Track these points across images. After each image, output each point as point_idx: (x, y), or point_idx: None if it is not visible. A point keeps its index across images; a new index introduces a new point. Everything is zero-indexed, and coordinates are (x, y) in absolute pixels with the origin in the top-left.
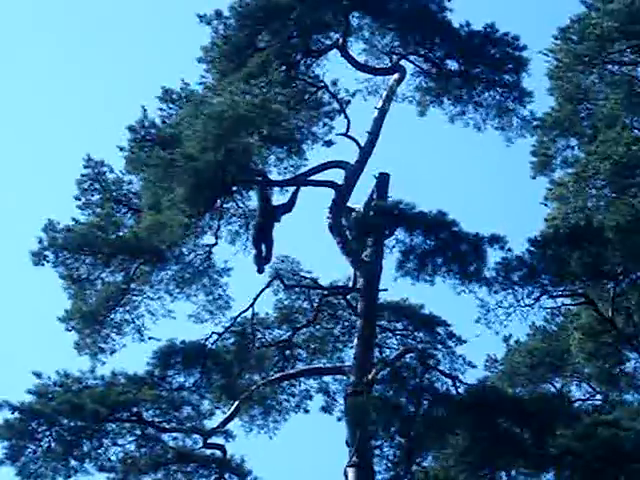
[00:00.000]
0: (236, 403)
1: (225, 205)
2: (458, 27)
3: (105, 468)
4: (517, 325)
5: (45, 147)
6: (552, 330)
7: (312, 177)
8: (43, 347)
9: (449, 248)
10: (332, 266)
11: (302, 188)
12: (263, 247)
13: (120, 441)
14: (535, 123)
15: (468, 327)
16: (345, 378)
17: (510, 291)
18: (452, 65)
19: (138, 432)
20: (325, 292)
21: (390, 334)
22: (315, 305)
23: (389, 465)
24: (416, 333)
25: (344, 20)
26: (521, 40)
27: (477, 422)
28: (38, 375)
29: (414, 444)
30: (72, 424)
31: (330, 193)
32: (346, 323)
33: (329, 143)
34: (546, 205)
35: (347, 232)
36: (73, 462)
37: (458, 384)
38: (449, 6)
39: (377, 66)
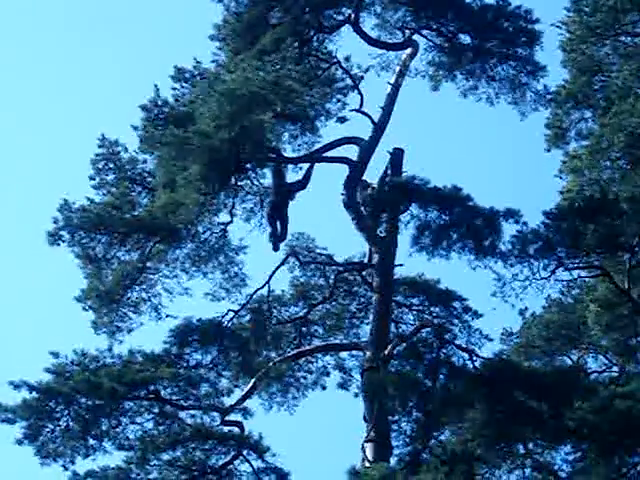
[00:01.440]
0: (253, 380)
1: (240, 183)
2: (470, 1)
3: (123, 446)
4: (533, 298)
5: (59, 127)
6: (568, 302)
7: (326, 154)
8: (60, 327)
9: (464, 223)
10: (347, 242)
11: (316, 165)
12: (278, 224)
13: (138, 419)
14: (549, 96)
15: (484, 301)
16: (362, 354)
17: (526, 264)
18: (465, 39)
19: (156, 410)
20: (340, 268)
21: (406, 309)
22: (331, 282)
23: (407, 440)
24: (432, 308)
25: None
26: (534, 13)
27: (494, 396)
28: (55, 354)
29: (431, 419)
30: (90, 403)
31: (344, 169)
32: (362, 299)
33: (343, 119)
34: (561, 178)
35: (362, 208)
36: (91, 441)
37: (475, 358)
38: None
39: (390, 41)
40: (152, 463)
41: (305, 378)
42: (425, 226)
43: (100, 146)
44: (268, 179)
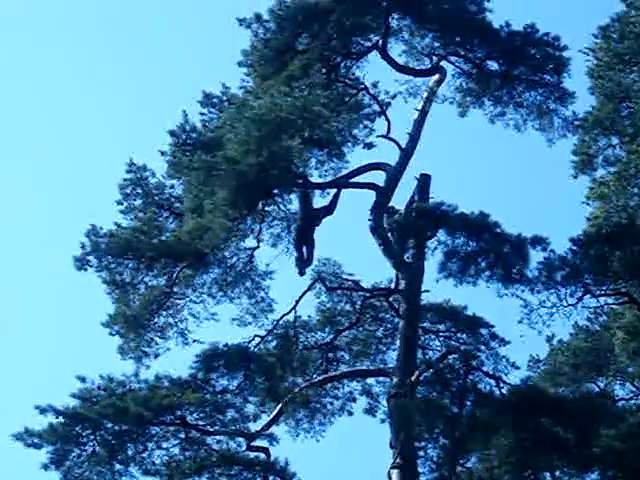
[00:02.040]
0: (279, 406)
1: (267, 208)
2: (498, 28)
3: (150, 472)
4: (560, 325)
5: (88, 152)
6: (595, 329)
7: (353, 179)
8: (87, 351)
9: (491, 250)
10: (374, 268)
11: (343, 190)
12: (304, 250)
13: (164, 444)
14: (576, 122)
15: (511, 328)
16: (388, 380)
17: (553, 291)
18: (492, 66)
19: (182, 435)
20: (367, 294)
21: (433, 336)
22: (357, 307)
23: (433, 466)
24: (459, 334)
25: (383, 22)
26: (561, 40)
27: (520, 422)
28: (82, 379)
29: (458, 445)
30: (116, 428)
31: (371, 195)
32: (389, 325)
33: (370, 145)
34: (588, 204)
35: (389, 234)
36: (118, 466)
37: (501, 385)
38: (488, 7)
39: (417, 67)
40: None
41: (332, 404)
42: (452, 252)
43: (128, 171)
44: (295, 205)
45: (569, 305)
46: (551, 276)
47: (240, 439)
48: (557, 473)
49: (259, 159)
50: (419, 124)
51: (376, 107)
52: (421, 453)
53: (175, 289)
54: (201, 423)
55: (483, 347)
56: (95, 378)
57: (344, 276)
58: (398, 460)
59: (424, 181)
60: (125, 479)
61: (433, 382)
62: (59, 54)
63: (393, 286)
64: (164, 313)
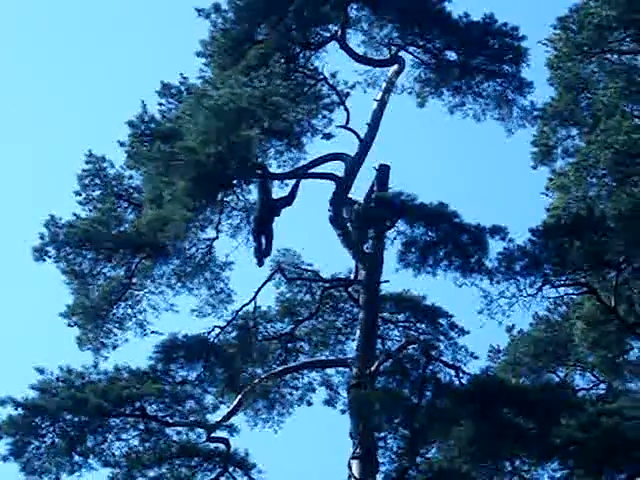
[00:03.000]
0: (239, 397)
1: (226, 199)
2: (457, 18)
3: (109, 463)
4: (520, 315)
5: (46, 143)
6: (555, 320)
7: (312, 170)
8: (45, 343)
9: (450, 240)
10: (333, 258)
11: (302, 181)
12: (263, 240)
13: (124, 436)
14: (535, 113)
15: (471, 318)
16: (348, 370)
17: (512, 281)
18: (451, 56)
19: (142, 426)
20: (327, 284)
21: (392, 326)
22: (317, 298)
23: (393, 457)
24: (418, 324)
25: (342, 12)
26: (520, 30)
27: (480, 413)
28: (41, 371)
29: (418, 435)
30: (75, 419)
31: (331, 185)
32: (348, 315)
33: (329, 136)
34: (547, 195)
35: (348, 224)
36: (77, 457)
37: (461, 375)
38: None
39: (376, 58)
40: None
41: (291, 394)
42: (411, 242)
43: (87, 162)
44: (254, 195)
45: (529, 295)
46: (510, 266)
47: (200, 430)
48: (517, 463)
49: (218, 149)
50: (378, 114)
51: (335, 97)
52: (381, 443)
53: (134, 280)
54: (160, 414)
55: (442, 337)
56: (54, 369)
57: (303, 266)
58: (358, 450)
59: (383, 171)
60: (84, 470)
61: (393, 372)
62: (19, 43)
63: (352, 276)
64: (123, 304)
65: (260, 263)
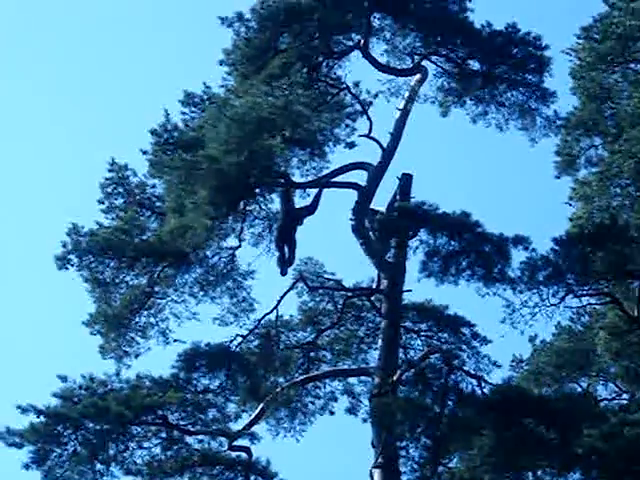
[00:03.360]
0: (261, 405)
1: (248, 207)
2: (480, 27)
3: (131, 471)
4: (542, 325)
5: (70, 151)
6: (578, 330)
7: (335, 179)
8: (68, 351)
9: (473, 249)
10: (356, 268)
11: (325, 190)
12: (286, 249)
13: (146, 444)
14: (559, 123)
15: (493, 327)
16: (370, 379)
17: (535, 291)
18: (474, 65)
19: (164, 435)
20: (349, 294)
21: (414, 335)
22: (339, 307)
23: (415, 466)
24: (440, 334)
25: (365, 21)
26: (543, 40)
27: (503, 422)
28: (63, 379)
29: (440, 445)
30: (98, 427)
31: (353, 195)
32: (370, 324)
33: (351, 145)
34: (570, 205)
35: (370, 233)
36: (99, 466)
37: (483, 384)
38: (470, 6)
39: (399, 67)
40: None
41: (313, 403)
42: (434, 252)
43: (110, 170)
44: (276, 204)
45: (551, 305)
46: (533, 276)
47: (222, 439)
48: (539, 473)
49: (240, 158)
50: (401, 123)
51: (358, 106)
52: (403, 453)
53: (156, 288)
54: (182, 423)
55: (465, 346)
56: (76, 377)
57: (326, 275)
58: (380, 460)
59: (406, 181)
60: (106, 479)
61: (415, 382)
62: (42, 53)
63: (375, 285)
64: (145, 312)
65: (283, 272)
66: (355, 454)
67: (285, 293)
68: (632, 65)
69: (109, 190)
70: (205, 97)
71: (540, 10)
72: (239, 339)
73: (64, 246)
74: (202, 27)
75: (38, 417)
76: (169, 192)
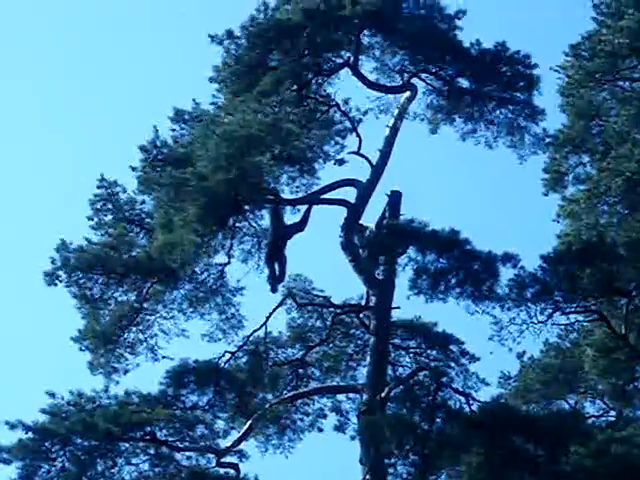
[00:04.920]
0: (249, 422)
1: (237, 224)
2: (469, 45)
3: None
4: (530, 342)
5: (58, 168)
6: (565, 347)
7: (324, 195)
8: (56, 367)
9: (462, 267)
10: (345, 285)
11: (314, 207)
12: (276, 266)
13: (134, 460)
14: (547, 140)
15: (481, 344)
16: (358, 396)
17: (523, 308)
18: (463, 83)
19: (152, 451)
20: (338, 310)
21: (403, 352)
22: (328, 324)
23: None
24: (429, 351)
25: (355, 39)
26: (532, 58)
27: (490, 440)
28: (52, 395)
29: (428, 462)
30: (86, 443)
31: (342, 211)
32: (359, 341)
33: (341, 162)
34: (558, 222)
35: (360, 250)
36: None
37: (471, 402)
38: (459, 25)
39: (388, 84)
40: None
41: (301, 420)
42: (423, 269)
43: (99, 187)
44: (266, 221)
45: (539, 322)
46: (521, 293)
47: (210, 455)
48: None
49: (229, 175)
50: (390, 141)
51: (347, 124)
52: (391, 470)
53: (145, 305)
54: (171, 439)
55: (453, 364)
56: (65, 394)
57: (315, 292)
58: (368, 477)
59: (395, 198)
60: None
61: (403, 399)
62: (29, 66)
63: (364, 302)
64: (134, 329)
65: (273, 289)
66: (343, 471)
67: (274, 310)
68: (620, 83)
69: (98, 206)
70: (195, 114)
71: (529, 28)
72: (228, 355)
73: (53, 262)
74: (192, 44)
75: (26, 433)
76: (158, 208)
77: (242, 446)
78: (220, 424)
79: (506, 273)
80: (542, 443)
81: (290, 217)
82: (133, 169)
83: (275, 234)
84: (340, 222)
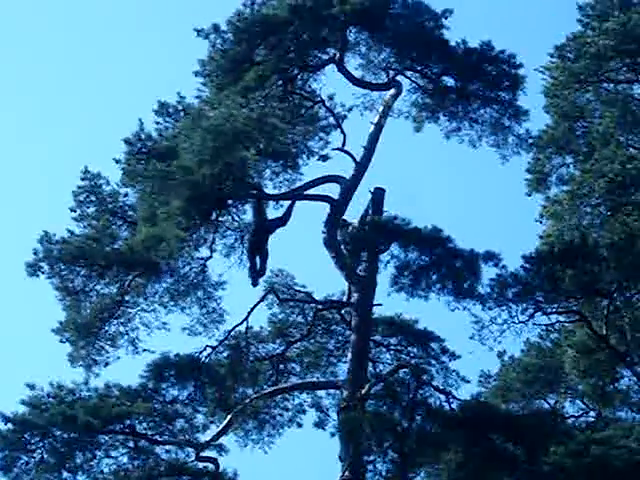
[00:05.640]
0: (229, 417)
1: (220, 218)
2: (455, 44)
3: None
4: (511, 341)
5: (42, 159)
6: (546, 347)
7: (307, 191)
8: (37, 358)
9: (443, 264)
10: (327, 280)
11: (297, 202)
12: (258, 261)
13: (113, 453)
14: (530, 141)
15: (462, 343)
16: (338, 393)
17: (504, 307)
18: (448, 81)
19: (131, 444)
20: (319, 306)
21: (384, 349)
22: (309, 319)
23: None
24: (410, 348)
25: (341, 35)
26: (517, 58)
27: (470, 438)
28: (32, 386)
29: (407, 459)
30: (65, 436)
31: (325, 207)
32: (340, 337)
33: (325, 157)
34: (541, 222)
35: (342, 247)
36: (66, 474)
37: (451, 400)
38: (446, 24)
39: (374, 81)
40: None
41: (281, 416)
42: (405, 266)
43: (83, 179)
44: (249, 215)
45: (520, 322)
46: (503, 293)
47: (189, 449)
48: None
49: (214, 169)
50: (374, 138)
51: (332, 120)
52: (370, 467)
53: (126, 298)
54: (150, 433)
55: (434, 361)
56: (45, 385)
57: (297, 288)
58: (347, 473)
59: (378, 195)
60: None
61: (383, 396)
62: (12, 57)
63: (345, 299)
64: (115, 321)
65: (255, 283)
66: (323, 467)
67: (255, 305)
68: (605, 84)
69: (81, 198)
70: (180, 107)
71: (514, 29)
72: (208, 350)
73: (35, 253)
74: (178, 38)
75: (6, 424)
76: (142, 201)
77: (221, 440)
78: (200, 418)
79: (488, 272)
80: (522, 442)
81: (273, 212)
82: (117, 162)
83: (257, 229)
84: (323, 218)
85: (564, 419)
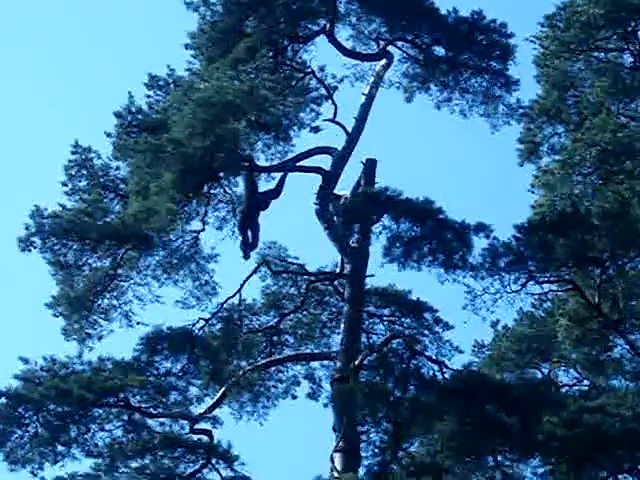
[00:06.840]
0: (223, 389)
1: (212, 191)
2: (445, 14)
3: (92, 453)
4: (504, 311)
5: (32, 133)
6: (539, 316)
7: (299, 163)
8: (30, 333)
9: (435, 236)
10: (319, 252)
11: (289, 174)
12: (250, 233)
13: (107, 426)
14: (521, 110)
15: (455, 313)
16: (332, 364)
17: (497, 277)
18: (439, 51)
19: (125, 417)
20: (312, 278)
21: (377, 320)
22: (302, 291)
23: (376, 450)
24: (403, 319)
25: (331, 6)
26: (508, 27)
27: (463, 408)
28: (25, 360)
29: (401, 430)
30: (59, 409)
31: (317, 179)
32: (333, 309)
33: (316, 129)
34: (533, 192)
35: (334, 218)
36: (60, 447)
37: (445, 370)
38: None
39: (364, 52)
40: (120, 470)
41: (275, 387)
42: (396, 237)
43: (73, 152)
44: (241, 188)
45: (513, 292)
46: (495, 263)
47: (183, 422)
48: (499, 458)
49: (205, 142)
50: (365, 108)
51: (323, 91)
52: (364, 437)
53: (119, 271)
54: (144, 405)
55: (427, 332)
56: (38, 359)
57: (289, 260)
58: (341, 444)
59: (370, 166)
60: (67, 460)
61: (376, 366)
62: (4, 36)
63: (338, 270)
64: (108, 295)
65: (246, 256)
66: (316, 438)
67: (248, 277)
68: (595, 53)
69: (72, 172)
70: (170, 80)
71: None
72: (202, 322)
73: (27, 228)
74: (167, 10)
75: None
76: (133, 175)
77: (216, 413)
78: (194, 391)
79: (479, 243)
80: (515, 411)
81: (265, 184)
82: (108, 135)
83: (249, 201)
84: (315, 190)
85: (557, 388)
